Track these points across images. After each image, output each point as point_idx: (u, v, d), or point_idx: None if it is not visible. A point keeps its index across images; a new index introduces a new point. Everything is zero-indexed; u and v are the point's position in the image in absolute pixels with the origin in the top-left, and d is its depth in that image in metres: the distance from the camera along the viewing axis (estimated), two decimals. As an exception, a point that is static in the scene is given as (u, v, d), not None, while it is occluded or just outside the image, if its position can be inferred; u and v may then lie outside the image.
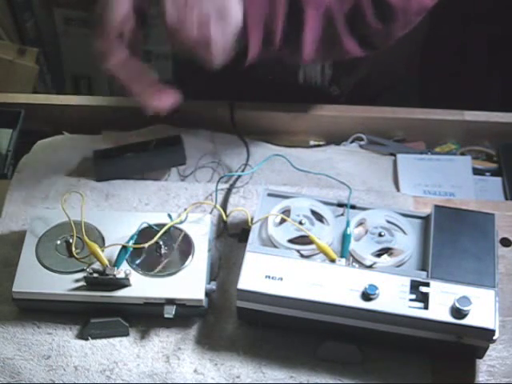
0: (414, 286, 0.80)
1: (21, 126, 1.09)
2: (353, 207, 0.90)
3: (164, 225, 0.87)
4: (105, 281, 0.83)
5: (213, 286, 0.85)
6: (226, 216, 0.94)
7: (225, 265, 0.91)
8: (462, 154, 1.10)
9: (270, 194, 0.91)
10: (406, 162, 1.08)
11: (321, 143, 1.13)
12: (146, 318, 0.85)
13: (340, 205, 0.90)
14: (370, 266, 0.83)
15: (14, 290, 0.84)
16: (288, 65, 1.09)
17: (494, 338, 0.77)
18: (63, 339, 0.84)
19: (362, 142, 1.11)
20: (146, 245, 0.85)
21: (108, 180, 1.00)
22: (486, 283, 0.80)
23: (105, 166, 1.00)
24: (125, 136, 1.08)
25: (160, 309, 0.83)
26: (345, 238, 0.85)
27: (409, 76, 1.29)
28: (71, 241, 0.87)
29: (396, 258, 0.84)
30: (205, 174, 1.05)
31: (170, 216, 0.90)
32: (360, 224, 0.88)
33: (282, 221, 0.87)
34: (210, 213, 0.94)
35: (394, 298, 0.79)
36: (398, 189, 1.04)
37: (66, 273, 0.85)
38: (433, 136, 1.12)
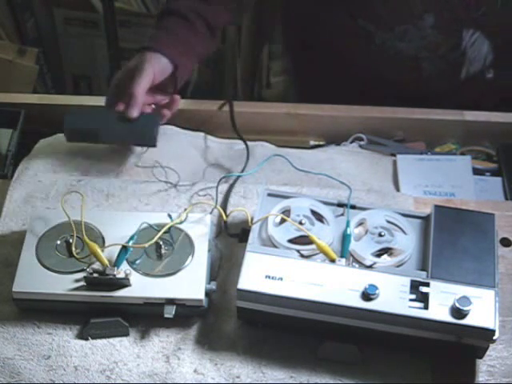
0: (414, 286, 0.80)
1: (21, 125, 1.09)
2: (353, 207, 0.90)
3: (164, 225, 0.87)
4: (105, 281, 0.83)
5: (213, 285, 0.85)
6: (226, 216, 0.94)
7: (225, 265, 0.91)
8: (462, 153, 1.10)
9: (270, 194, 0.91)
10: (406, 162, 1.07)
11: (321, 143, 1.13)
12: (146, 318, 0.85)
13: (340, 205, 0.90)
14: (370, 266, 0.83)
15: (14, 289, 0.84)
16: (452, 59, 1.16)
17: (494, 338, 0.77)
18: (63, 339, 0.84)
19: (361, 142, 1.11)
20: (146, 245, 0.85)
21: (77, 141, 1.01)
22: (486, 283, 0.80)
23: (75, 128, 1.00)
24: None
25: (160, 309, 0.83)
26: (345, 238, 0.85)
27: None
28: (71, 241, 0.87)
29: (396, 258, 0.84)
30: (205, 174, 1.04)
31: (170, 216, 0.89)
32: (360, 224, 0.88)
33: (282, 221, 0.87)
34: (210, 213, 0.94)
35: (394, 298, 0.79)
36: (398, 189, 1.04)
37: (65, 273, 0.85)
38: (433, 136, 1.12)
